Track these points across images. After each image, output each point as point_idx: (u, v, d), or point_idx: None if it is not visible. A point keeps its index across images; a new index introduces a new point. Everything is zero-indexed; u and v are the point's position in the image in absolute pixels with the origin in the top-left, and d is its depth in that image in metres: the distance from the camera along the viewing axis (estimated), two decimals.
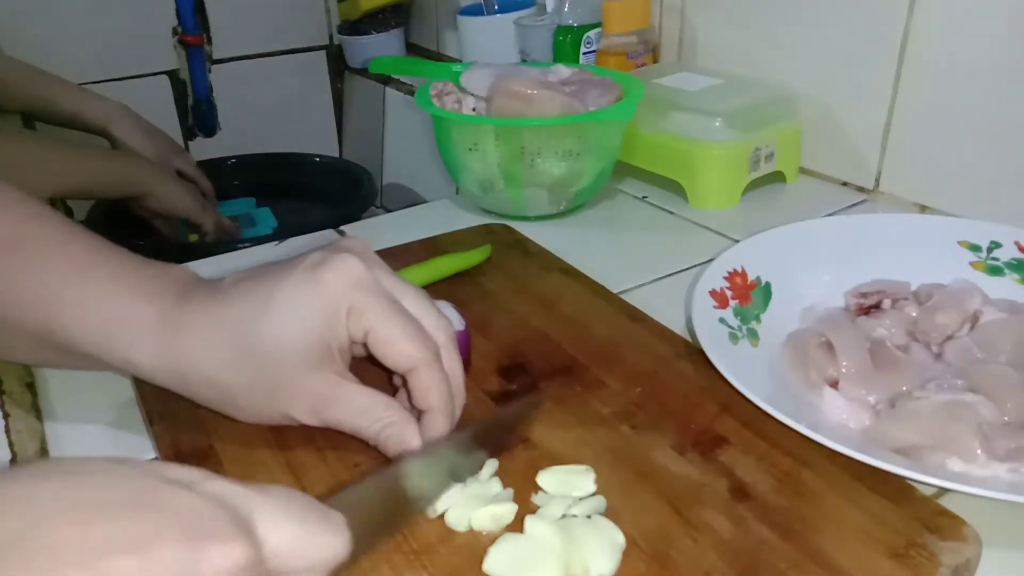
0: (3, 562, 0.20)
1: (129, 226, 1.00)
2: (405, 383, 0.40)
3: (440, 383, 0.39)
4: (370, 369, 0.42)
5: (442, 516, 0.37)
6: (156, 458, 0.43)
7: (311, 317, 0.38)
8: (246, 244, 0.75)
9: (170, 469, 0.26)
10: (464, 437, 0.39)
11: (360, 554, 0.29)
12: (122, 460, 0.25)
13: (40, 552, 0.21)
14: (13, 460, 0.43)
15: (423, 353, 0.39)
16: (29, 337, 0.40)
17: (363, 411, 0.39)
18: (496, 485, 0.38)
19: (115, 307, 0.39)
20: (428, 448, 0.39)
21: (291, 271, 0.39)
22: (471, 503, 0.37)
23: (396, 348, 0.39)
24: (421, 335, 0.39)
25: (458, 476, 0.38)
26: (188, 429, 0.43)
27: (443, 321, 0.41)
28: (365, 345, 0.40)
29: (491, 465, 0.40)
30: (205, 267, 0.65)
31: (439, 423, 0.39)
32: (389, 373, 0.41)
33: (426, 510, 0.37)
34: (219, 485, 0.25)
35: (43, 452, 0.44)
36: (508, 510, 0.36)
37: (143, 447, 0.44)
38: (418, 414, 0.40)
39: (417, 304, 0.41)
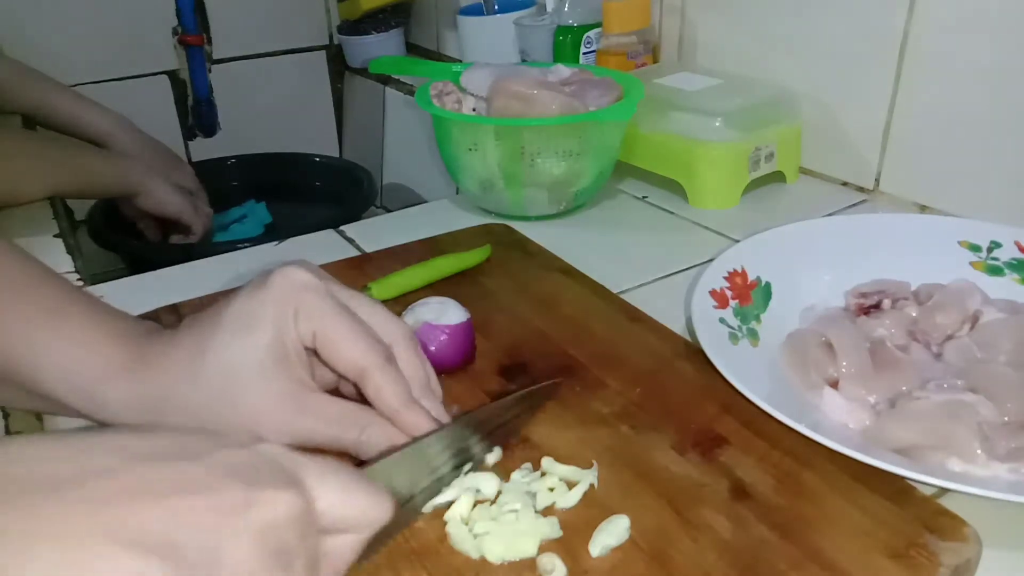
0: (83, 489, 0.22)
1: (128, 227, 0.99)
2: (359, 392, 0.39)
3: (393, 384, 0.38)
4: None
5: (442, 516, 0.37)
6: None
7: (260, 321, 0.38)
8: (245, 244, 0.75)
9: (221, 435, 0.27)
10: (458, 427, 0.39)
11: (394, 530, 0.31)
12: (177, 426, 0.27)
13: (116, 486, 0.22)
14: None
15: (371, 356, 0.38)
16: None
17: (337, 418, 0.38)
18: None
19: (86, 348, 0.39)
20: (414, 442, 0.37)
21: (241, 289, 0.39)
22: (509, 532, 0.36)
23: (343, 350, 0.38)
24: (369, 338, 0.39)
25: (459, 464, 0.38)
26: None
27: (399, 325, 0.41)
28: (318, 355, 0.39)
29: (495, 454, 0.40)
30: (205, 267, 0.65)
31: (409, 423, 0.39)
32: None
33: (421, 508, 0.36)
34: (268, 446, 0.27)
35: None
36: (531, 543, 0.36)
37: None
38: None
39: (371, 311, 0.40)
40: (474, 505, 0.37)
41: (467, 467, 0.38)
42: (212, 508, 0.23)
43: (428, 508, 0.37)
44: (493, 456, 0.40)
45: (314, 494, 0.26)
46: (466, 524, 0.36)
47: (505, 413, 0.42)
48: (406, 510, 0.35)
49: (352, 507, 0.28)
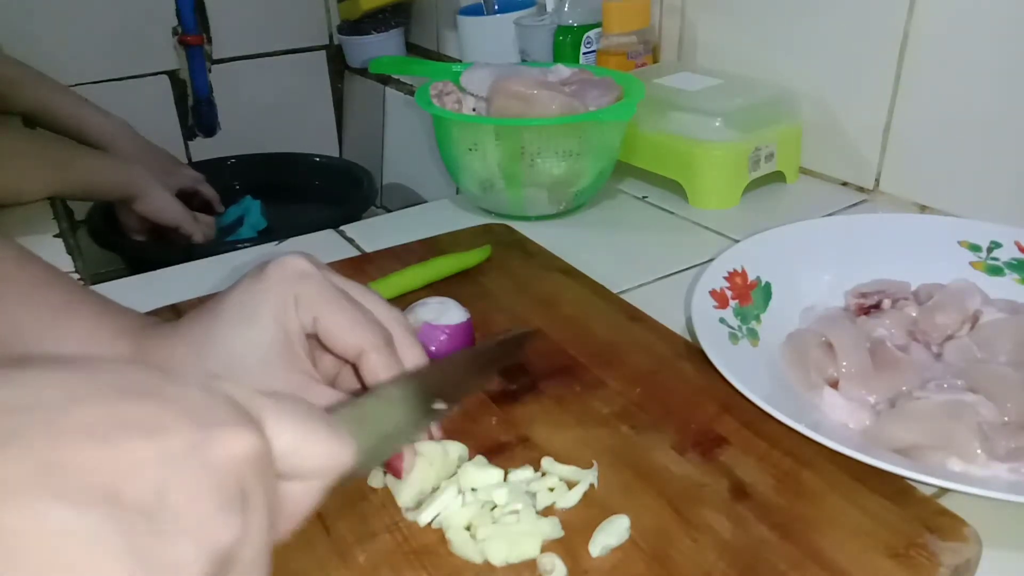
0: (21, 437, 0.20)
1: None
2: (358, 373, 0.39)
3: (390, 367, 0.38)
4: None
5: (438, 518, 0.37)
6: None
7: (260, 314, 0.38)
8: (246, 244, 0.75)
9: (180, 373, 0.25)
10: (419, 381, 0.38)
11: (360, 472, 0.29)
12: (133, 361, 0.25)
13: (56, 430, 0.21)
14: None
15: (371, 338, 0.38)
16: None
17: None
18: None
19: (94, 345, 0.39)
20: (375, 391, 0.37)
21: (238, 282, 0.39)
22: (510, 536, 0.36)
23: (344, 333, 0.38)
24: (370, 321, 0.39)
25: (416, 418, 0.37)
26: None
27: (396, 314, 0.41)
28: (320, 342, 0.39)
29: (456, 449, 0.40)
30: (205, 267, 0.65)
31: None
32: None
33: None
34: (227, 386, 0.25)
35: None
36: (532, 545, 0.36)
37: None
38: None
39: (367, 298, 0.40)
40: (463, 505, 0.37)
41: (425, 422, 0.38)
42: (160, 449, 0.22)
43: (427, 517, 0.37)
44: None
45: (272, 435, 0.25)
46: (467, 529, 0.36)
47: (468, 367, 0.41)
48: (366, 461, 0.33)
49: (313, 451, 0.26)
